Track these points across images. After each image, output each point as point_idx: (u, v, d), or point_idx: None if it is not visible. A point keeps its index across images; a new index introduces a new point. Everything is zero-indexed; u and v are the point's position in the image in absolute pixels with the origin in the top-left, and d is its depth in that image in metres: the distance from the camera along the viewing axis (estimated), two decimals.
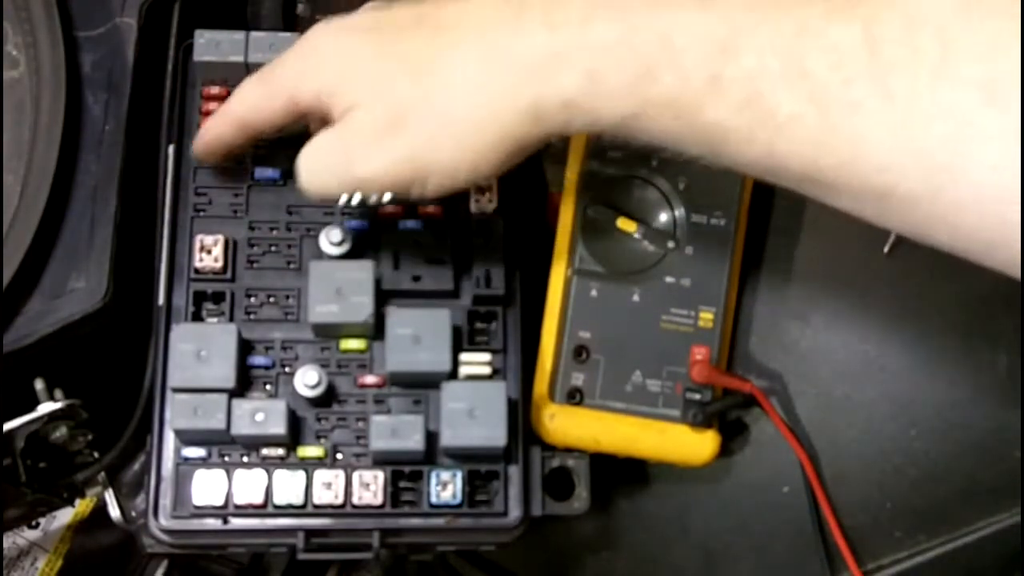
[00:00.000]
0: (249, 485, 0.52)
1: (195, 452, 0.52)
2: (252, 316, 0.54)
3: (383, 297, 0.54)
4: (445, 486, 0.52)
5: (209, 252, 0.54)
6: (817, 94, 0.37)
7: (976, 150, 0.35)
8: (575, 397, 0.56)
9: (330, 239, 0.54)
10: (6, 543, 0.61)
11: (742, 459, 0.60)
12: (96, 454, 0.56)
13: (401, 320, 0.52)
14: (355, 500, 0.52)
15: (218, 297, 0.55)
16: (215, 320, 0.54)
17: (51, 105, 0.55)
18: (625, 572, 0.63)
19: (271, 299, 0.55)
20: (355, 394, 0.54)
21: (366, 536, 0.53)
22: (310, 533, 0.52)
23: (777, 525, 0.60)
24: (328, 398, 0.54)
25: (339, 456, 0.53)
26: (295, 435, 0.53)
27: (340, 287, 0.52)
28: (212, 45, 0.56)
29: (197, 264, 0.54)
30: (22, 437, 0.52)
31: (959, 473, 0.58)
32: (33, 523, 0.61)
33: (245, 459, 0.53)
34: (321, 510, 0.52)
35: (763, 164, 0.40)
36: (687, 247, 0.57)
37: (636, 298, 0.57)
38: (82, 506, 0.61)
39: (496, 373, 0.54)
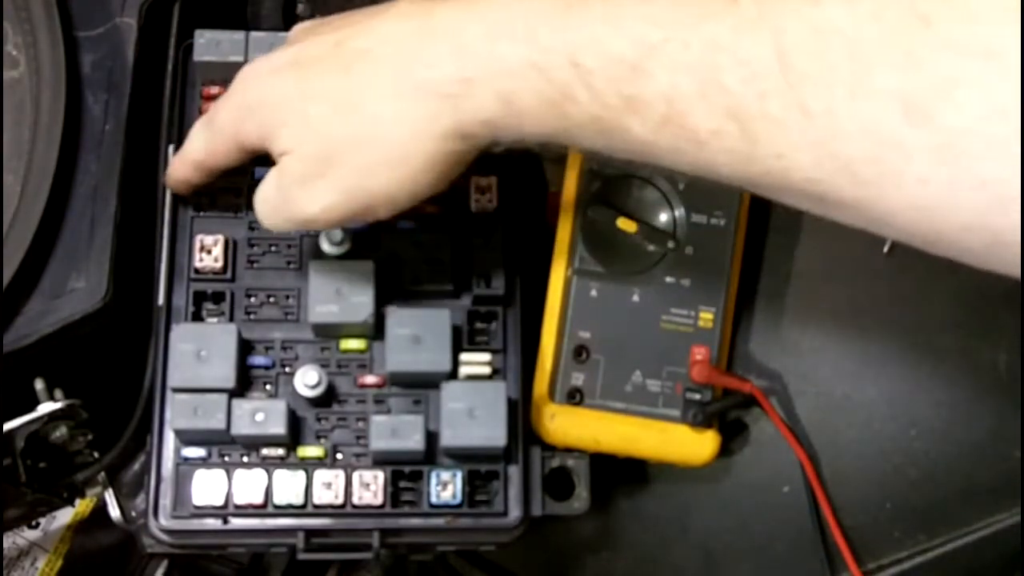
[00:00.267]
0: (249, 485, 0.52)
1: (195, 452, 0.52)
2: (252, 316, 0.54)
3: (383, 297, 0.54)
4: (445, 486, 0.52)
5: (209, 252, 0.54)
6: (735, 110, 0.37)
7: (901, 166, 0.34)
8: (575, 397, 0.56)
9: (330, 239, 0.54)
10: (6, 543, 0.61)
11: (742, 459, 0.60)
12: (96, 454, 0.56)
13: (401, 320, 0.52)
14: (355, 500, 0.52)
15: (218, 297, 0.55)
16: (215, 320, 0.54)
17: (51, 105, 0.55)
18: (625, 572, 0.63)
19: (271, 299, 0.55)
20: (355, 394, 0.54)
21: (366, 536, 0.53)
22: (310, 533, 0.52)
23: (777, 525, 0.60)
24: (328, 398, 0.54)
25: (339, 456, 0.53)
26: (295, 435, 0.53)
27: (340, 287, 0.53)
28: (212, 45, 0.56)
29: (197, 264, 0.54)
30: (22, 437, 0.52)
31: (959, 473, 0.58)
32: (33, 523, 0.61)
33: (245, 459, 0.53)
34: (321, 510, 0.52)
35: (697, 172, 0.40)
36: (687, 247, 0.57)
37: (636, 298, 0.57)
38: (82, 506, 0.61)
39: (496, 373, 0.54)
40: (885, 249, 0.58)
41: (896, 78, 0.34)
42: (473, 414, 0.51)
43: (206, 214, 0.55)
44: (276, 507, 0.52)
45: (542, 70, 0.40)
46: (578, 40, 0.39)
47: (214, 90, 0.56)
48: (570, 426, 0.56)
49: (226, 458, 0.53)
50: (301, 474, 0.52)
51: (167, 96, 0.57)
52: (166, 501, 0.52)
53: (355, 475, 0.52)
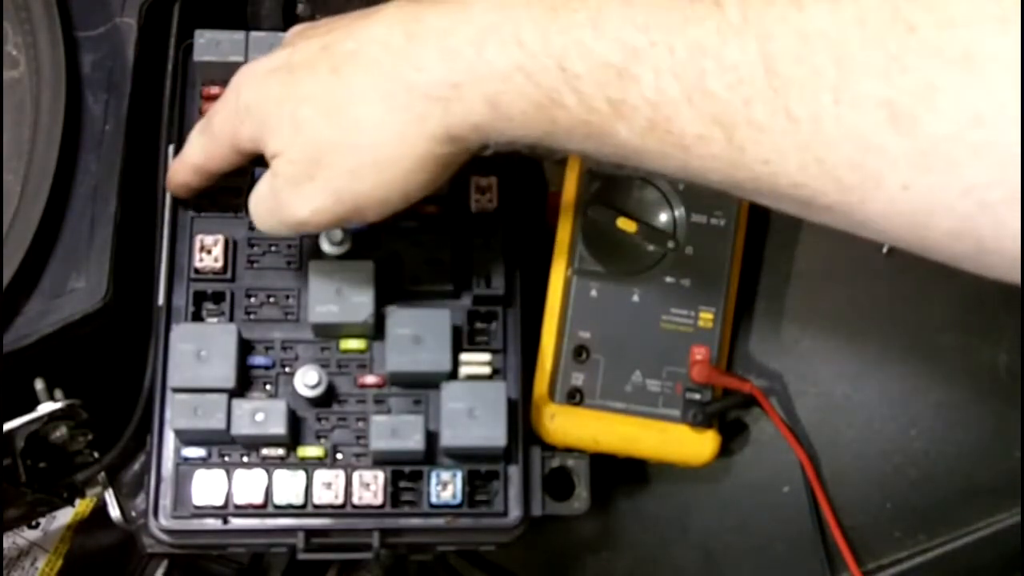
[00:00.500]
0: (249, 485, 0.52)
1: (195, 452, 0.52)
2: (252, 316, 0.55)
3: (383, 297, 0.54)
4: (445, 486, 0.52)
5: (209, 252, 0.54)
6: (720, 115, 0.37)
7: (885, 173, 0.34)
8: (575, 397, 0.56)
9: (330, 239, 0.54)
10: (6, 543, 0.61)
11: (742, 459, 0.60)
12: (96, 454, 0.56)
13: (401, 320, 0.52)
14: (355, 500, 0.52)
15: (218, 297, 0.55)
16: (215, 320, 0.54)
17: (51, 105, 0.55)
18: (625, 572, 0.63)
19: (271, 299, 0.55)
20: (355, 394, 0.54)
21: (366, 536, 0.53)
22: (310, 533, 0.52)
23: (777, 525, 0.60)
24: (328, 398, 0.54)
25: (339, 456, 0.53)
26: (295, 435, 0.53)
27: (340, 287, 0.53)
28: (212, 45, 0.56)
29: (197, 264, 0.54)
30: (22, 437, 0.52)
31: (959, 473, 0.58)
32: (33, 523, 0.61)
33: (245, 459, 0.53)
34: (321, 510, 0.52)
35: (685, 177, 0.40)
36: (687, 247, 0.57)
37: (636, 298, 0.57)
38: (82, 506, 0.61)
39: (496, 373, 0.54)
40: (885, 249, 0.58)
41: (881, 84, 0.34)
42: (473, 414, 0.51)
43: (206, 214, 0.55)
44: (276, 507, 0.52)
45: (530, 74, 0.40)
46: (565, 44, 0.39)
47: (214, 90, 0.56)
48: (570, 426, 0.56)
49: (226, 458, 0.53)
50: (301, 474, 0.52)
51: (167, 96, 0.57)
52: (166, 501, 0.52)
53: (355, 475, 0.52)
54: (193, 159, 0.52)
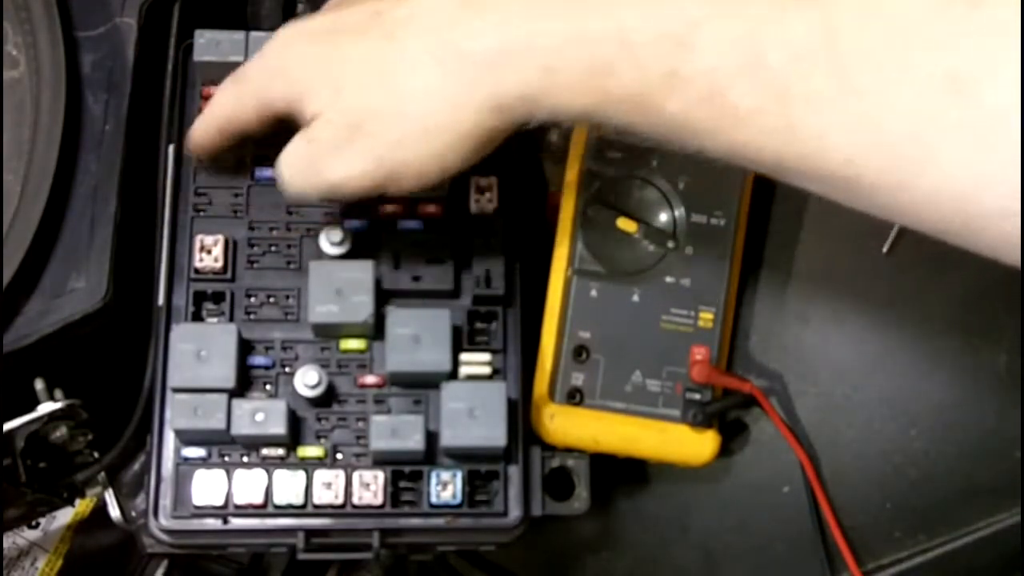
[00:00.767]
0: (249, 485, 0.52)
1: (195, 452, 0.52)
2: (252, 316, 0.54)
3: (383, 297, 0.54)
4: (445, 486, 0.52)
5: (209, 252, 0.54)
6: (777, 88, 0.37)
7: (943, 145, 0.34)
8: (575, 397, 0.56)
9: (330, 239, 0.54)
10: (6, 543, 0.61)
11: (742, 459, 0.60)
12: (96, 454, 0.56)
13: (401, 320, 0.52)
14: (355, 500, 0.52)
15: (218, 297, 0.55)
16: (215, 320, 0.54)
17: (51, 105, 0.55)
18: (625, 572, 0.63)
19: (271, 299, 0.55)
20: (355, 394, 0.54)
21: (366, 536, 0.53)
22: (310, 533, 0.52)
23: (777, 525, 0.60)
24: (328, 398, 0.54)
25: (339, 456, 0.53)
26: (295, 435, 0.53)
27: (340, 287, 0.53)
28: (212, 45, 0.56)
29: (197, 264, 0.54)
30: (22, 437, 0.52)
31: (959, 473, 0.58)
32: (33, 523, 0.61)
33: (245, 459, 0.53)
34: (321, 510, 0.52)
35: (729, 154, 0.40)
36: (687, 247, 0.57)
37: (636, 298, 0.57)
38: (82, 506, 0.61)
39: (496, 373, 0.54)
40: (885, 249, 0.58)
41: (944, 56, 0.34)
42: (473, 414, 0.51)
43: (206, 214, 0.55)
44: (276, 507, 0.52)
45: (586, 43, 0.40)
46: (624, 15, 0.39)
47: (214, 90, 0.56)
48: (570, 426, 0.56)
49: (226, 458, 0.53)
50: (301, 474, 0.52)
51: (167, 96, 0.57)
52: (166, 501, 0.52)
53: (355, 475, 0.52)
54: (220, 111, 0.51)
